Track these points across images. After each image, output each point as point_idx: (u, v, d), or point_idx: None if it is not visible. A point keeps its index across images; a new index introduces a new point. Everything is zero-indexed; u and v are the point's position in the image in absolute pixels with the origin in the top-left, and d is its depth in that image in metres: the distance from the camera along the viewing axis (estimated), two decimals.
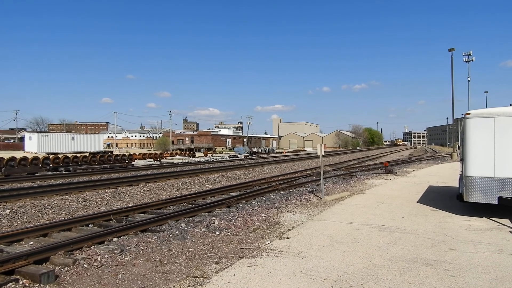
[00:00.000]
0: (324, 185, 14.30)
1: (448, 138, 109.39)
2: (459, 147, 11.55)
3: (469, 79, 47.47)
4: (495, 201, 8.56)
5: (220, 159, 43.32)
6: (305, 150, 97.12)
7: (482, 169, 8.73)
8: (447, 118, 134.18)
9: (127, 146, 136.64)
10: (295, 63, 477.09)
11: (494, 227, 7.96)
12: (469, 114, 9.11)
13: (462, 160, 9.46)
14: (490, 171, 8.63)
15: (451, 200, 11.48)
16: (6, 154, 30.75)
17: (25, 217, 9.90)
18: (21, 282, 5.00)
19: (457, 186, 11.86)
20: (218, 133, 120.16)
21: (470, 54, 46.17)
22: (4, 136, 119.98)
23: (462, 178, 9.46)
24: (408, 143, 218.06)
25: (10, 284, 4.89)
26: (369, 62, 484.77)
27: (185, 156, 49.18)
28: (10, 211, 10.28)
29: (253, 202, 11.64)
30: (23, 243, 7.12)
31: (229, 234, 7.78)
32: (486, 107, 13.30)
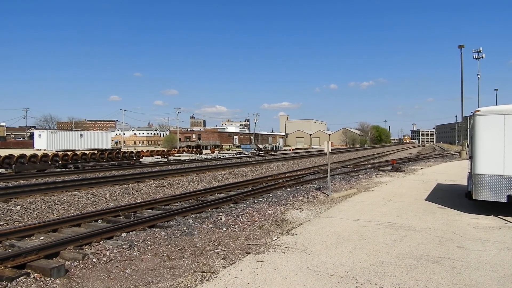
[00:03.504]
0: (331, 182, 14.27)
1: (456, 136, 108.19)
2: (468, 145, 11.44)
3: (479, 76, 46.81)
4: (504, 199, 8.47)
5: (227, 156, 43.39)
6: (312, 148, 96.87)
7: (491, 167, 8.63)
8: (456, 116, 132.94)
9: (135, 143, 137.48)
10: (302, 60, 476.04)
11: (503, 226, 7.88)
12: (478, 111, 9.01)
13: (471, 158, 9.37)
14: (499, 169, 8.54)
15: (459, 198, 11.38)
16: (16, 151, 31.21)
17: (35, 212, 10.05)
18: (32, 276, 5.09)
19: (466, 184, 11.77)
20: (225, 130, 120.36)
21: (480, 51, 45.49)
22: (14, 133, 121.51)
23: (471, 176, 9.37)
24: (416, 141, 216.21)
25: (22, 278, 4.98)
26: (376, 59, 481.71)
27: (192, 153, 49.40)
28: (21, 207, 10.45)
29: (260, 199, 11.67)
30: (34, 238, 7.24)
31: (236, 230, 7.82)
32: (496, 105, 13.17)
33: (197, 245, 6.68)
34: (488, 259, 5.62)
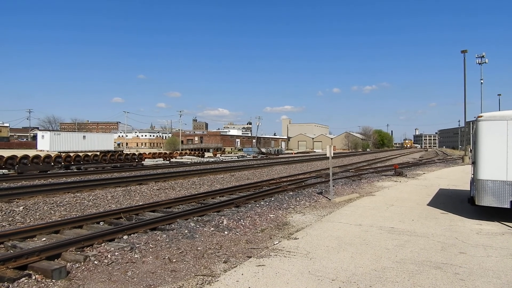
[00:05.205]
0: (333, 186, 14.25)
1: (459, 141, 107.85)
2: (471, 150, 11.40)
3: (482, 81, 46.78)
4: (507, 205, 8.42)
5: (229, 159, 43.42)
6: (314, 152, 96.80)
7: (494, 173, 8.59)
8: (459, 121, 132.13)
9: (137, 145, 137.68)
10: (305, 64, 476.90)
11: (506, 231, 7.84)
12: (481, 116, 8.98)
13: (474, 163, 9.34)
14: (502, 175, 8.50)
15: (462, 203, 11.33)
16: (19, 152, 31.33)
17: (37, 214, 10.08)
18: (33, 277, 5.10)
19: (468, 189, 11.71)
20: (227, 133, 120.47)
21: (483, 56, 45.46)
22: (17, 134, 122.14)
23: (474, 181, 9.34)
24: (419, 146, 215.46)
25: (23, 279, 4.99)
26: (379, 63, 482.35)
27: (195, 156, 49.40)
28: (23, 208, 10.48)
29: (262, 203, 11.65)
30: (36, 239, 7.26)
31: (238, 233, 7.81)
32: (499, 110, 13.14)
33: (199, 248, 6.68)
34: (491, 266, 5.59)
